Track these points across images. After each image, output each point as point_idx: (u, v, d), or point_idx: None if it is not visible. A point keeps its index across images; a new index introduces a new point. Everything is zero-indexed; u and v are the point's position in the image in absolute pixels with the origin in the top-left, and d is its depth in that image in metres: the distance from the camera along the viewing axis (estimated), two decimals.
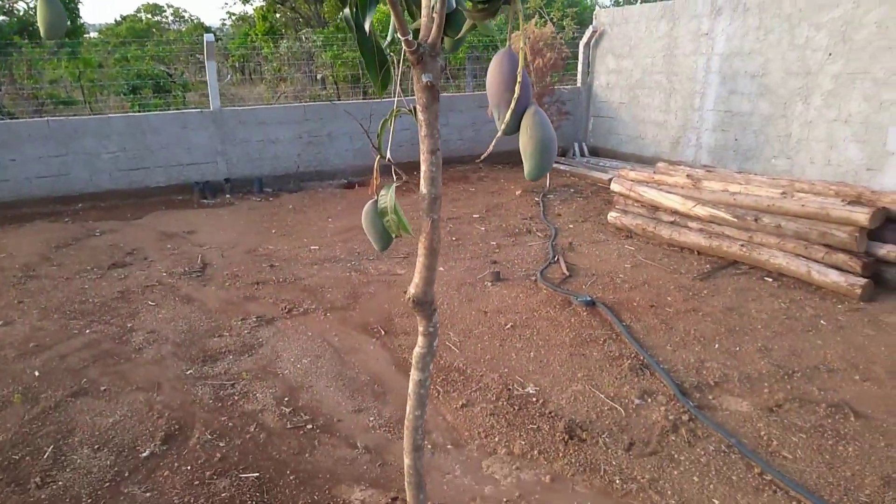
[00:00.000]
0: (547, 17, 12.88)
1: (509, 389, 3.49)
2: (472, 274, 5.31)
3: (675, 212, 6.07)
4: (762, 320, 4.23)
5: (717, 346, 3.90)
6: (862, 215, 4.62)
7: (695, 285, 4.91)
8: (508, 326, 4.27)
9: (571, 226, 6.72)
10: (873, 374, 3.51)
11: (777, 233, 5.18)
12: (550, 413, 3.24)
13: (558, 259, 5.59)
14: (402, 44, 1.35)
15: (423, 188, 1.50)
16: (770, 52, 7.69)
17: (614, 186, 6.76)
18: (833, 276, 4.66)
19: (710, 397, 3.35)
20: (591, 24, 10.49)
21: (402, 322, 4.41)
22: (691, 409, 3.20)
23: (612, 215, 6.57)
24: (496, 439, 3.06)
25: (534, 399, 3.39)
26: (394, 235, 1.63)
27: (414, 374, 1.84)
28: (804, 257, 4.93)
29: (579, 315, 4.39)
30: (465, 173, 9.44)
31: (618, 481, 2.73)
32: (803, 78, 7.31)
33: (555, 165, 8.57)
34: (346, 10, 1.49)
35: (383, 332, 4.26)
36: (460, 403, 3.37)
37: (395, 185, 1.60)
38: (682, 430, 3.07)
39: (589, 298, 4.56)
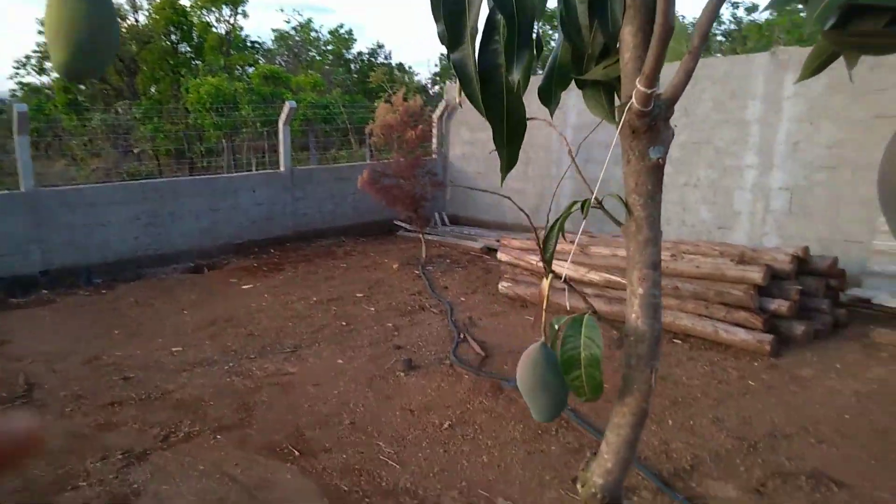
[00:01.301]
0: (390, 92, 12.92)
1: None
2: (379, 364, 4.68)
3: (568, 279, 5.99)
4: (698, 387, 4.13)
5: (670, 422, 3.68)
6: (756, 274, 4.82)
7: (615, 355, 4.74)
8: (446, 426, 3.70)
9: (463, 298, 6.37)
10: (825, 436, 3.48)
11: (676, 294, 5.26)
12: None
13: (465, 337, 5.17)
14: (634, 99, 0.88)
15: (640, 322, 1.00)
16: None
17: (501, 256, 6.58)
18: (741, 335, 4.77)
19: (693, 485, 3.06)
20: (444, 98, 10.63)
21: (318, 436, 3.64)
22: (682, 502, 2.87)
23: (504, 286, 6.35)
24: None
25: None
26: (582, 399, 1.09)
27: None
28: (707, 317, 5.02)
29: (518, 402, 3.96)
30: (329, 248, 8.79)
31: None
32: None
33: (425, 236, 8.28)
34: (459, 53, 0.97)
35: (297, 453, 3.46)
36: None
37: (590, 317, 1.07)
38: None
39: None
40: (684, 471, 3.17)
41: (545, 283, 1.08)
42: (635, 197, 0.97)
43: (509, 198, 1.51)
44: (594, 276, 5.75)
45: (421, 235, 8.15)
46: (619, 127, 0.96)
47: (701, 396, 4.00)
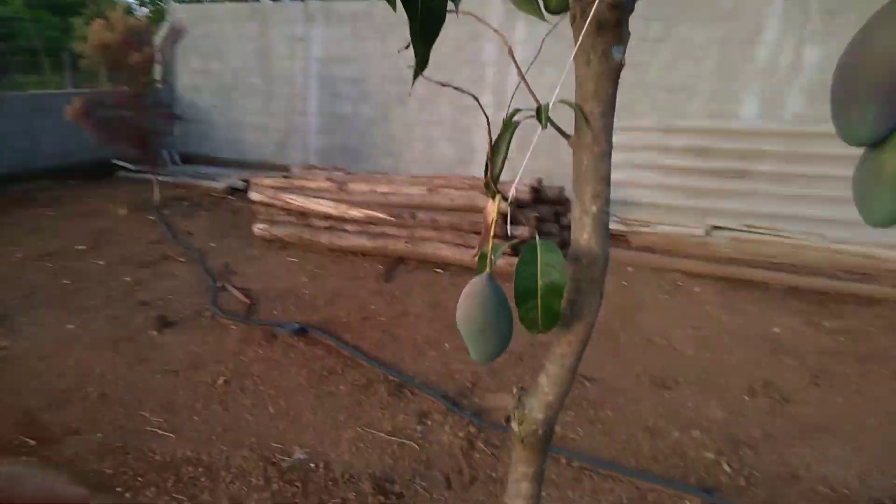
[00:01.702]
0: (94, 7, 10.94)
1: (274, 463, 2.73)
2: (123, 324, 4.04)
3: (328, 216, 5.84)
4: None
5: (447, 345, 3.86)
6: (504, 204, 5.24)
7: (385, 288, 4.80)
8: (221, 383, 3.37)
9: (213, 244, 5.82)
10: None
11: (434, 226, 5.49)
12: (344, 477, 2.65)
13: (224, 286, 4.74)
14: None
15: (594, 243, 0.90)
16: (367, 60, 8.11)
17: (253, 196, 6.13)
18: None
19: (477, 400, 3.27)
20: (167, 20, 9.29)
21: (58, 418, 3.02)
22: (474, 421, 3.05)
23: (260, 227, 5.95)
24: None
25: (312, 465, 2.72)
26: (533, 332, 0.96)
27: None
28: (464, 246, 5.35)
29: (296, 347, 3.78)
30: (28, 194, 7.24)
31: None
32: (399, 84, 7.96)
33: (158, 178, 7.29)
34: None
35: (34, 442, 2.84)
36: None
37: (547, 241, 0.93)
38: (480, 443, 2.90)
39: (298, 326, 3.97)
40: (467, 389, 3.37)
41: (492, 205, 0.95)
42: (594, 104, 0.89)
43: (459, 88, 1.31)
44: (356, 213, 5.69)
45: (152, 176, 7.16)
46: (587, 21, 0.86)
47: None
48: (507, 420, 1.01)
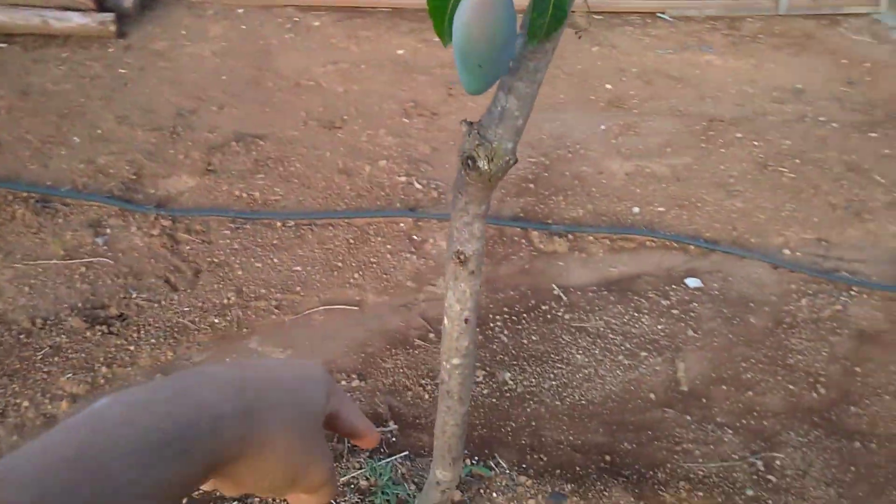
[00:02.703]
0: None
1: (11, 330, 2.02)
2: None
3: None
4: (72, 92, 3.48)
5: (77, 139, 3.08)
6: None
7: None
8: None
9: None
10: (219, 100, 3.61)
11: None
12: (38, 324, 2.13)
13: None
14: None
15: None
16: None
17: None
18: (77, 19, 4.05)
19: (152, 191, 2.83)
20: None
21: None
22: (155, 212, 2.67)
23: None
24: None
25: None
26: (533, 43, 0.73)
27: (464, 284, 1.02)
28: (26, 6, 4.02)
29: None
30: None
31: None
32: None
33: None
34: None
35: None
36: None
37: None
38: (182, 234, 2.60)
39: None
40: (133, 181, 2.86)
41: None
42: None
43: None
44: None
45: None
46: None
47: (85, 100, 3.43)
48: (471, 161, 0.91)
